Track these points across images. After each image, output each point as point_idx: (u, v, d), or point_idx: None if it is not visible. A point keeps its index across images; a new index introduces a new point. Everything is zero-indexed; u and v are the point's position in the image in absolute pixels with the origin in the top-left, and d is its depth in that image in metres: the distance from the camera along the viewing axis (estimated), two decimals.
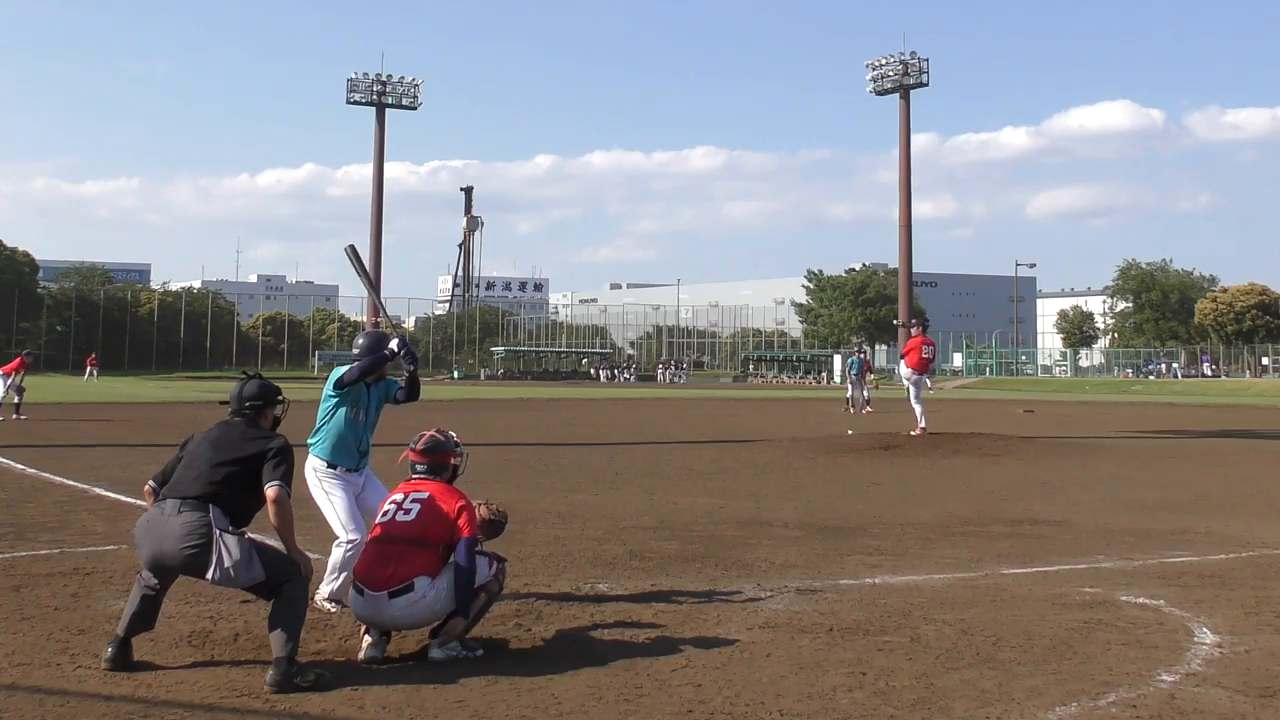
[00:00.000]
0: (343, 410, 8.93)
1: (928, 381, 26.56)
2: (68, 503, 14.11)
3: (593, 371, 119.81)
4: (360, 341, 9.24)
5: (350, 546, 8.62)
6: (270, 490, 6.94)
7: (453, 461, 8.01)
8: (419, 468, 7.95)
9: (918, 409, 25.53)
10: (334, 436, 8.90)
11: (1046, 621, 8.37)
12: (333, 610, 8.45)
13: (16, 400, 32.26)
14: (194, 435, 7.36)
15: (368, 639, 7.34)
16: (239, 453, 7.07)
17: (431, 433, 8.11)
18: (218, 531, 6.77)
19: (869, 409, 41.09)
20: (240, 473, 7.00)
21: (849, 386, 43.50)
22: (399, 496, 7.75)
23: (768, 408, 44.55)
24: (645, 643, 7.71)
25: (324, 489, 8.83)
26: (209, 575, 6.76)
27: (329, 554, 8.84)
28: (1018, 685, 6.76)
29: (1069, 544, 12.09)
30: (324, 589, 8.56)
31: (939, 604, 8.96)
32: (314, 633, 7.73)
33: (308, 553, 7.26)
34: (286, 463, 7.07)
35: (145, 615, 6.97)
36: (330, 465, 8.86)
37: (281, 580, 6.82)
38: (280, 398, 7.64)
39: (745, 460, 22.12)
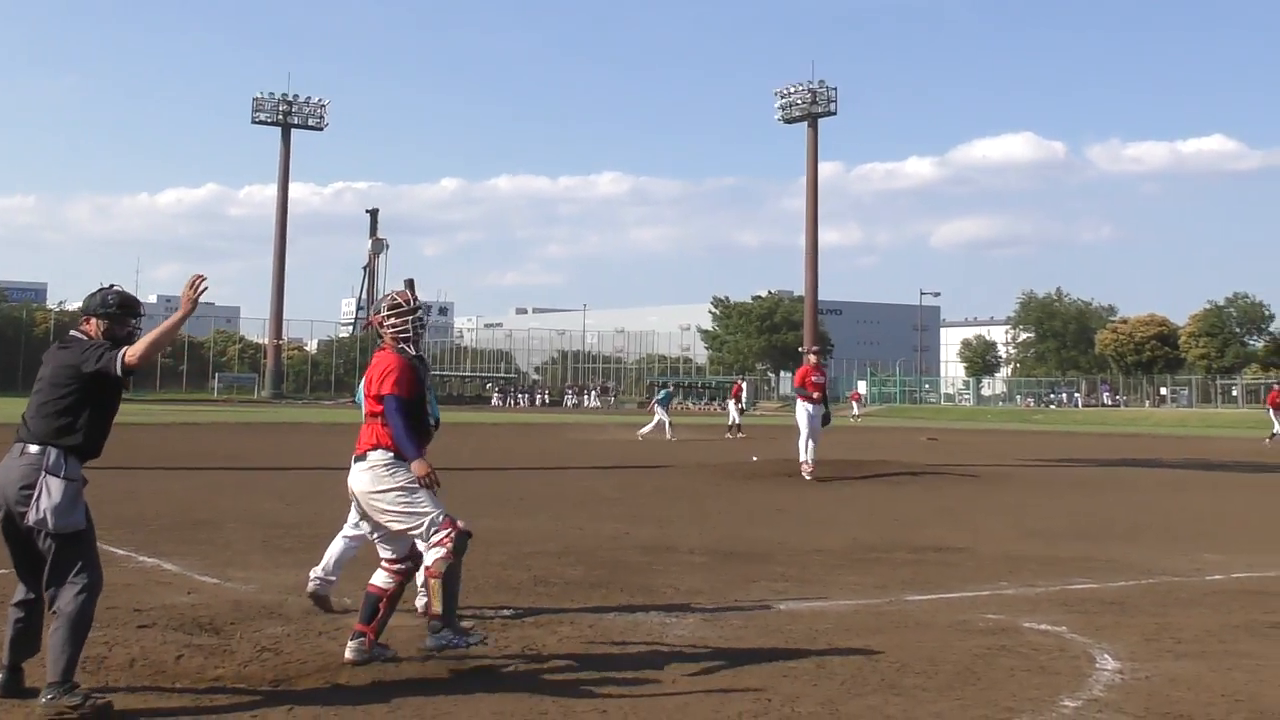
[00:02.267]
0: None
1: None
2: None
3: (494, 398, 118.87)
4: None
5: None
6: (127, 358, 6.60)
7: (377, 325, 8.01)
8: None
9: (808, 446, 22.87)
10: None
11: (951, 648, 8.39)
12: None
13: None
14: None
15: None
16: (63, 370, 6.70)
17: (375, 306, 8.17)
18: (44, 474, 6.49)
19: (669, 436, 42.31)
20: (69, 393, 6.64)
21: (656, 414, 44.80)
22: None
23: (678, 434, 44.57)
24: (550, 669, 7.64)
25: None
26: (28, 518, 6.45)
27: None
28: (923, 711, 6.76)
29: (972, 570, 12.16)
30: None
31: (844, 630, 8.96)
32: (213, 659, 7.57)
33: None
34: (106, 348, 6.69)
35: (24, 638, 6.73)
36: None
37: (76, 569, 6.48)
38: (106, 306, 6.97)
39: (651, 486, 22.11)
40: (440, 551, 7.44)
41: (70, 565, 6.50)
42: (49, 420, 6.62)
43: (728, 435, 44.24)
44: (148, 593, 9.72)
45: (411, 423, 7.65)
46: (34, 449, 6.57)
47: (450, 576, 7.53)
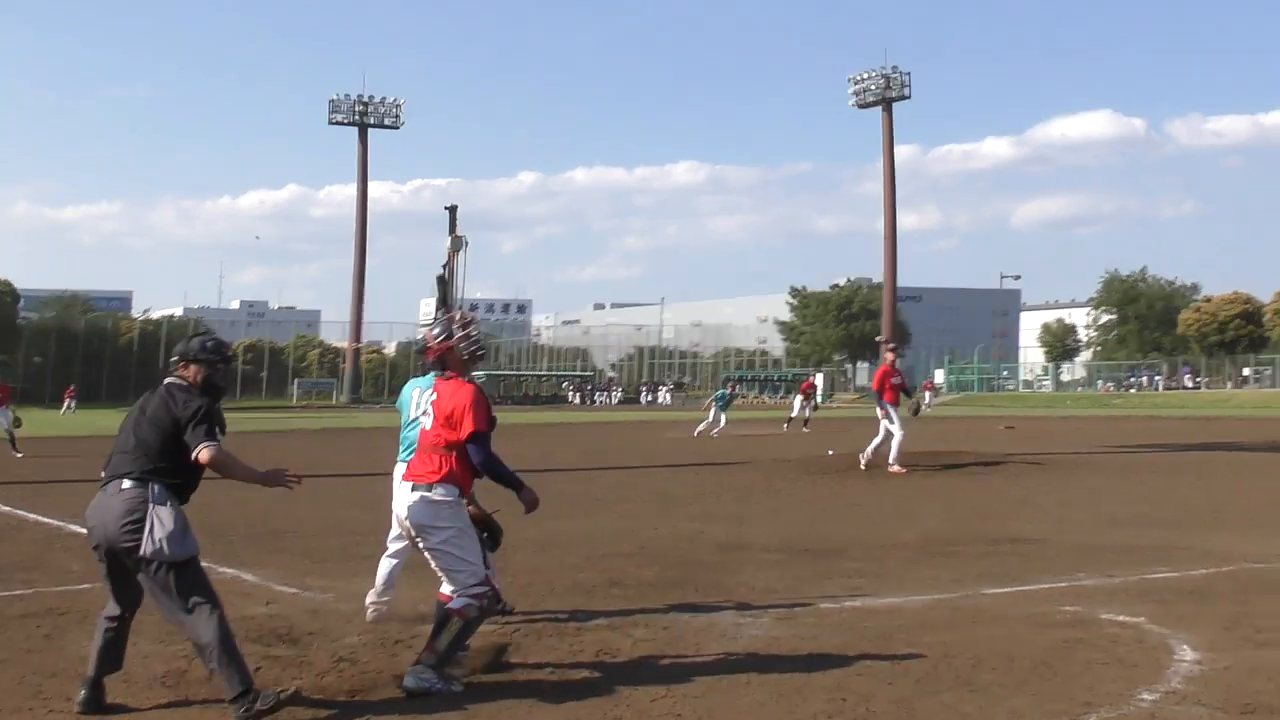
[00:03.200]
0: None
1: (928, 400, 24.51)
2: (43, 541, 14.00)
3: (570, 395, 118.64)
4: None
5: None
6: (202, 455, 6.74)
7: (447, 355, 7.88)
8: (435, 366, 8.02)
9: (894, 444, 22.68)
10: None
11: (1027, 642, 8.36)
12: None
13: (11, 432, 31.55)
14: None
15: None
16: (164, 419, 6.86)
17: (433, 331, 8.06)
18: (152, 505, 6.64)
19: (715, 433, 40.79)
20: (171, 440, 6.80)
21: (712, 414, 42.81)
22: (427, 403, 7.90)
23: (749, 429, 44.52)
24: (625, 672, 7.67)
25: None
26: (141, 549, 6.57)
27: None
28: (998, 708, 6.74)
29: (1050, 562, 12.09)
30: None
31: (919, 626, 8.94)
32: (290, 670, 7.67)
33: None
34: (208, 421, 6.84)
35: (111, 651, 6.86)
36: None
37: (196, 595, 6.68)
38: (203, 353, 7.25)
39: (726, 483, 22.09)
40: (474, 603, 7.40)
41: (189, 592, 6.68)
42: (150, 459, 6.78)
43: (785, 427, 43.79)
44: (227, 604, 9.63)
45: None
46: (131, 484, 6.73)
47: (469, 628, 7.47)
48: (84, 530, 6.97)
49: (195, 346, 7.29)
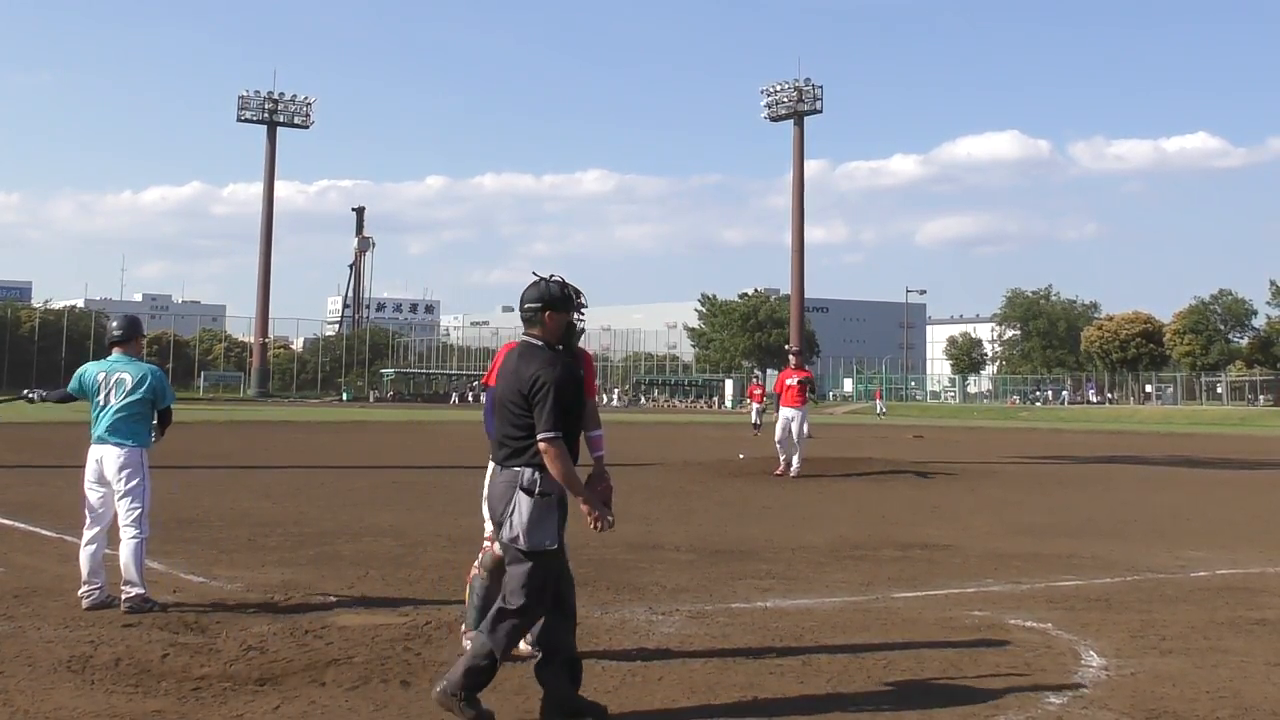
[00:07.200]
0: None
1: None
2: None
3: (482, 395, 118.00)
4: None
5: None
6: (541, 444, 6.42)
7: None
8: None
9: (781, 447, 23.48)
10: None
11: (937, 644, 8.40)
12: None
13: None
14: None
15: None
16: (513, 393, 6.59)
17: None
18: (518, 490, 6.44)
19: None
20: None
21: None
22: None
23: (660, 432, 44.58)
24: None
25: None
26: (501, 535, 6.46)
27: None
28: (909, 707, 6.76)
29: (958, 567, 12.18)
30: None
31: (830, 627, 8.97)
32: (199, 658, 7.56)
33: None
34: (548, 400, 6.45)
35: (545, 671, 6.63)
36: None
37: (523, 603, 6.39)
38: (566, 301, 6.66)
39: (637, 483, 22.04)
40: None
41: (524, 587, 6.37)
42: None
43: (754, 434, 42.75)
44: None
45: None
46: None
47: (475, 590, 7.70)
48: None
49: (555, 292, 6.55)
